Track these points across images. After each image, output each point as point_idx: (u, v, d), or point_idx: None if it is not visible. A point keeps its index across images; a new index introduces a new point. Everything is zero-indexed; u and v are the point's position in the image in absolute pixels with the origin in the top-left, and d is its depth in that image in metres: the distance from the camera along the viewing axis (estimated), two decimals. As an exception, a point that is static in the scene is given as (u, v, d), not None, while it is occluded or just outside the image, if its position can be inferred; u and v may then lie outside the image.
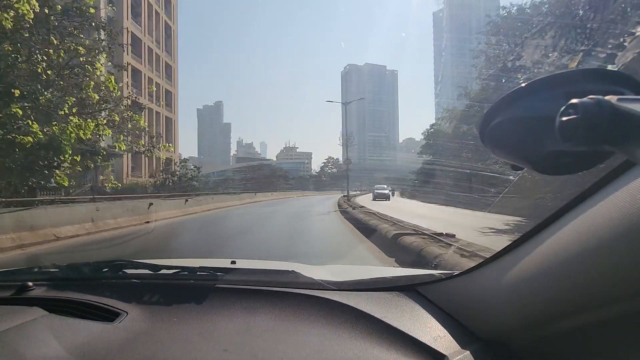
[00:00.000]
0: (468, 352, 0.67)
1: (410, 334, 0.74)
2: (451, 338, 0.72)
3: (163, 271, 1.06)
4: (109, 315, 0.87)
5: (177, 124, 52.90)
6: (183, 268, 1.07)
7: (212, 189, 47.84)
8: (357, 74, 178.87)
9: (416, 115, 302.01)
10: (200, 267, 1.08)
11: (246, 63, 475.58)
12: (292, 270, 1.03)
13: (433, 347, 0.69)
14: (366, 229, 7.23)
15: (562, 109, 0.43)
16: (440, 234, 4.74)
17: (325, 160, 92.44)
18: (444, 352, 0.68)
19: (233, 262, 1.20)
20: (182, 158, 43.42)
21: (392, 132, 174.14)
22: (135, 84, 44.04)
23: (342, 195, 33.18)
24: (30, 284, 1.03)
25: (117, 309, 0.89)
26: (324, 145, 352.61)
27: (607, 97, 0.41)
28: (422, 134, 37.63)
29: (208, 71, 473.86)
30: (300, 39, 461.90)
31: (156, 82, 46.93)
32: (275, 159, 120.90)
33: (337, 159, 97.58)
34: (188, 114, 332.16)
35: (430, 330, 0.75)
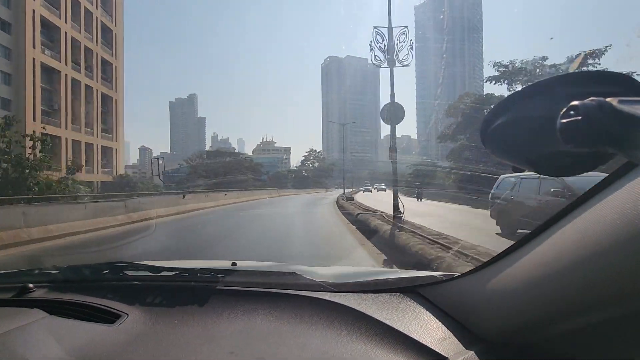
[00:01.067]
0: (470, 353, 0.67)
1: (411, 335, 0.74)
2: (453, 339, 0.73)
3: (164, 273, 1.05)
4: (110, 317, 0.88)
5: (122, 106, 42.34)
6: (184, 270, 1.08)
7: (165, 188, 38.19)
8: (338, 66, 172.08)
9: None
10: (200, 268, 1.08)
11: (223, 54, 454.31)
12: (293, 272, 1.03)
13: (435, 348, 0.70)
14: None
15: (563, 110, 0.44)
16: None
17: (307, 153, 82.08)
18: (446, 354, 0.68)
19: (234, 264, 1.20)
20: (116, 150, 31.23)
21: (375, 128, 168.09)
22: (52, 45, 33.05)
23: (340, 195, 24.55)
24: (30, 285, 1.02)
25: (118, 310, 0.90)
26: (305, 143, 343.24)
27: (608, 99, 0.41)
28: (446, 110, 29.17)
29: (181, 62, 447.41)
30: (280, 30, 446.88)
31: (86, 46, 35.46)
32: (251, 154, 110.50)
33: (319, 151, 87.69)
34: (160, 107, 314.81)
35: (431, 332, 0.76)
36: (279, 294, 0.94)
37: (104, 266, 1.14)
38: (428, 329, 0.76)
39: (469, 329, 0.73)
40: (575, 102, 0.42)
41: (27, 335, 0.78)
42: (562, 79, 0.51)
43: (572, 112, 0.42)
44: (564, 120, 0.43)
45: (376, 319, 0.79)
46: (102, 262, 1.18)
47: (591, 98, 0.42)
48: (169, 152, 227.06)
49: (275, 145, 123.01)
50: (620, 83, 0.49)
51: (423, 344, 0.71)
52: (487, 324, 0.69)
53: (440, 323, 0.78)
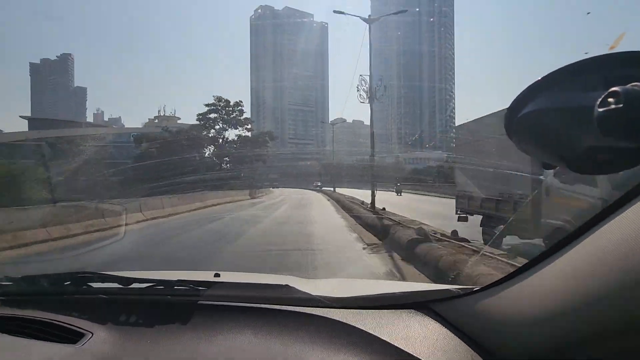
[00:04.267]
0: None
1: (423, 359, 0.68)
2: None
3: (135, 285, 0.96)
4: (71, 337, 0.81)
5: None
6: (158, 282, 0.98)
7: None
8: (273, 21, 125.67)
9: (346, 90, 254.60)
10: (178, 280, 0.96)
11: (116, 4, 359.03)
12: (286, 285, 0.94)
13: None
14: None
15: (602, 97, 0.38)
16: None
17: (210, 105, 37.54)
18: None
19: (217, 275, 1.09)
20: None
21: (322, 108, 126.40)
22: None
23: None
24: None
25: (81, 329, 0.83)
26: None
27: None
28: None
29: (50, 7, 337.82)
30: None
31: None
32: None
33: (240, 101, 39.79)
34: (15, 69, 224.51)
35: (445, 354, 0.69)
36: (269, 310, 0.85)
37: (65, 277, 1.02)
38: (442, 351, 0.69)
39: (488, 350, 0.66)
40: (615, 88, 0.37)
41: None
42: (600, 60, 0.44)
43: (611, 100, 0.37)
44: (603, 109, 0.37)
45: (382, 339, 0.72)
46: (63, 272, 1.06)
47: (634, 83, 0.37)
48: (26, 130, 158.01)
49: (179, 121, 72.76)
50: None
51: None
52: (509, 345, 0.62)
53: (455, 343, 0.70)
